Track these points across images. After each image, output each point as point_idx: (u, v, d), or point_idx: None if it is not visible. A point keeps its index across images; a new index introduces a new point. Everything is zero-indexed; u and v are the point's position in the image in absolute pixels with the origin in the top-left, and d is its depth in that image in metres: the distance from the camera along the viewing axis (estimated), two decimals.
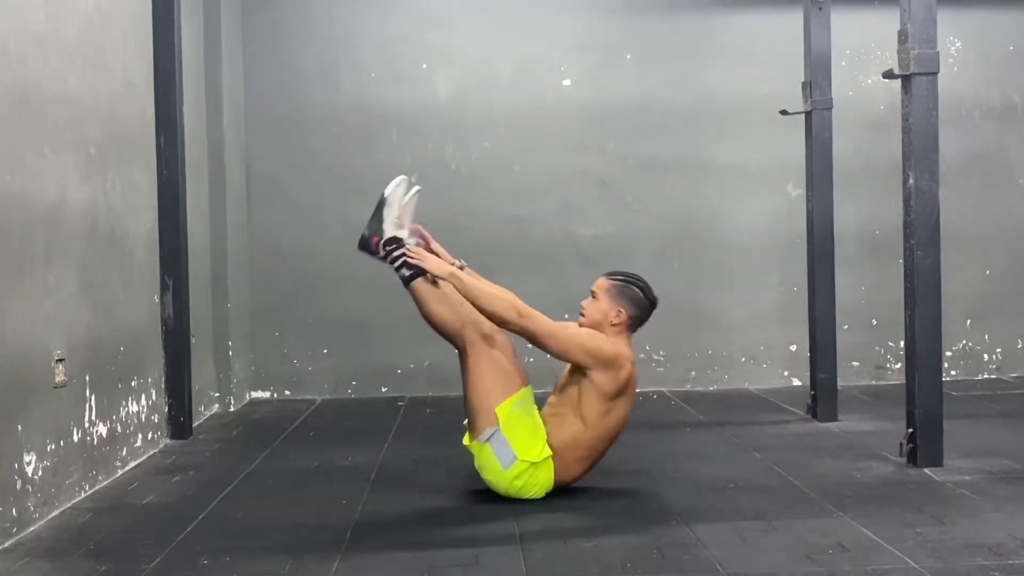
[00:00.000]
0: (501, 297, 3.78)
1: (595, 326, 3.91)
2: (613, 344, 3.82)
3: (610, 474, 4.07)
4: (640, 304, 3.94)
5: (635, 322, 3.94)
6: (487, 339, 3.84)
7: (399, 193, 3.94)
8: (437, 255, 4.01)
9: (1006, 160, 7.00)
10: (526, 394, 3.86)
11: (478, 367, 3.82)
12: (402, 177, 3.99)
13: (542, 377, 6.75)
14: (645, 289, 3.96)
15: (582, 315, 3.96)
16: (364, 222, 6.63)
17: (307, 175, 6.71)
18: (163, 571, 3.07)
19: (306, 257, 6.69)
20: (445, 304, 3.87)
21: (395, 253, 3.90)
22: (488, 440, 3.75)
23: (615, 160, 6.82)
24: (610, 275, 4.01)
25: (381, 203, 3.93)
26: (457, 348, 3.89)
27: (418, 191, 4.04)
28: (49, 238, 3.75)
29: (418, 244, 3.97)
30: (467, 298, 3.78)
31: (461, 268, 3.93)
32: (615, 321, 3.90)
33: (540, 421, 3.85)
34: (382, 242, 3.91)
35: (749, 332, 6.83)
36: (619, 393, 3.80)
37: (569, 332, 3.82)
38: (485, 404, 3.78)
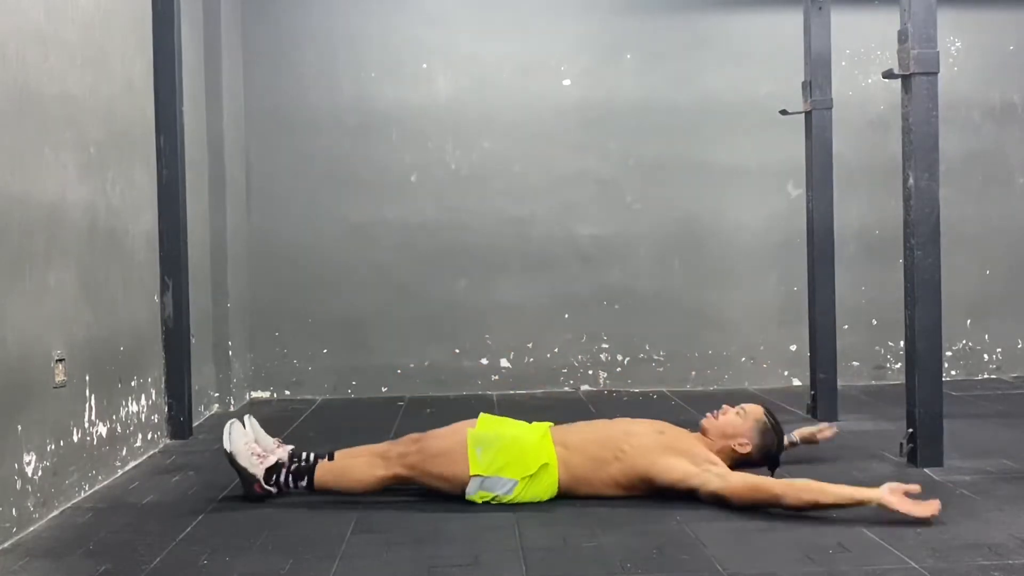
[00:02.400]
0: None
1: (715, 431, 3.89)
2: (701, 473, 3.64)
3: None
4: (764, 454, 3.90)
5: (744, 463, 3.88)
6: (405, 454, 3.79)
7: (237, 436, 3.81)
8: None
9: (1006, 160, 7.00)
10: (479, 432, 3.79)
11: (426, 470, 3.76)
12: (229, 422, 3.84)
13: (542, 376, 6.77)
14: (778, 447, 3.94)
15: (714, 417, 3.93)
16: (365, 222, 6.70)
17: (307, 175, 6.71)
18: (163, 571, 3.07)
19: (306, 257, 6.70)
20: (353, 472, 3.82)
21: (281, 480, 3.82)
22: (480, 488, 3.72)
23: (615, 160, 6.82)
24: (767, 411, 3.98)
25: (230, 459, 3.80)
26: (407, 481, 3.84)
27: (250, 417, 3.94)
28: (49, 238, 3.75)
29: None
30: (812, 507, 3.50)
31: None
32: (738, 448, 3.87)
33: (516, 431, 3.81)
34: (263, 484, 3.81)
35: (749, 332, 6.84)
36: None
37: (682, 470, 3.67)
38: (456, 482, 3.73)
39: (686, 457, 3.69)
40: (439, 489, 3.78)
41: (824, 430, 4.39)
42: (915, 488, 3.38)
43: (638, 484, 3.72)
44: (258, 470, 3.81)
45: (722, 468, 3.68)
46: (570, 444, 3.79)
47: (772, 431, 3.93)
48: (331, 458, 3.88)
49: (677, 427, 3.94)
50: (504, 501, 3.73)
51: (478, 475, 3.71)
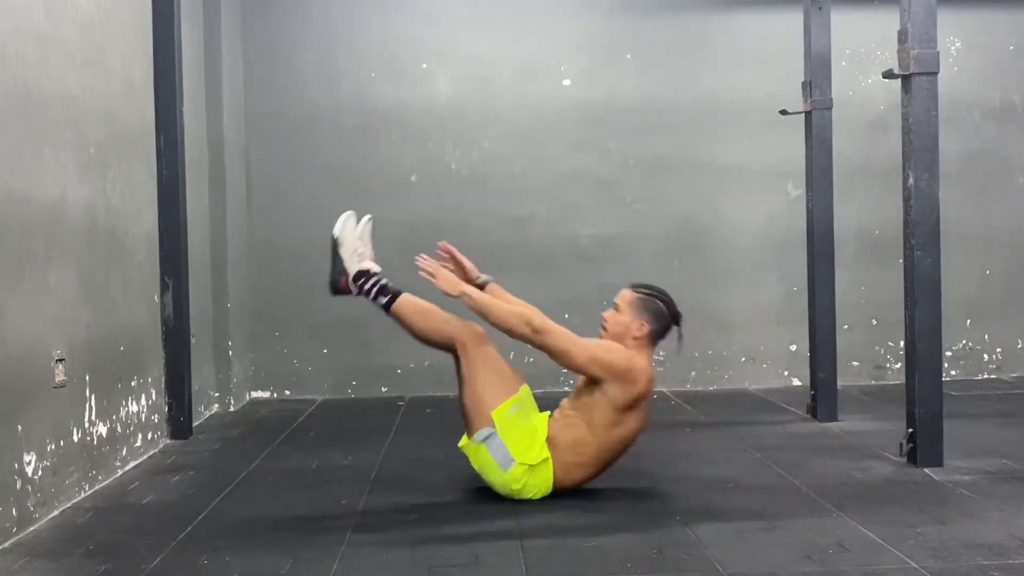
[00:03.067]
0: (514, 313, 3.77)
1: (616, 338, 3.88)
2: (629, 358, 3.78)
3: (610, 474, 4.05)
4: (662, 318, 3.91)
5: (656, 336, 3.91)
6: (480, 342, 3.83)
7: (349, 228, 3.92)
8: (464, 269, 4.03)
9: (1006, 160, 7.00)
10: (523, 396, 3.85)
11: (472, 371, 3.81)
12: (348, 212, 3.97)
13: (543, 377, 6.77)
14: (668, 303, 3.94)
15: (604, 327, 3.93)
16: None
17: (307, 175, 6.71)
18: (163, 571, 3.07)
19: (306, 257, 6.68)
20: (430, 317, 3.88)
21: (366, 286, 3.89)
22: (484, 441, 3.75)
23: (615, 160, 6.82)
24: (634, 287, 3.98)
25: (334, 244, 3.91)
26: (453, 355, 3.88)
27: (370, 219, 4.03)
28: (49, 238, 3.75)
29: (439, 258, 3.97)
30: (480, 316, 3.79)
31: (484, 285, 3.94)
32: (637, 334, 3.87)
33: (538, 422, 3.84)
34: (351, 280, 3.90)
35: (749, 332, 6.84)
36: (630, 406, 3.76)
37: (583, 345, 3.78)
38: (481, 408, 3.77)
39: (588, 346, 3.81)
40: (468, 392, 3.80)
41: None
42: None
43: (585, 392, 3.81)
44: (354, 266, 3.89)
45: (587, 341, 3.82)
46: (553, 438, 3.82)
47: (648, 298, 3.93)
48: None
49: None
50: (495, 479, 3.74)
51: (494, 426, 3.73)
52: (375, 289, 3.89)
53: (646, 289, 3.97)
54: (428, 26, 6.75)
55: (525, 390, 3.88)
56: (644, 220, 6.82)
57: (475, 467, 3.83)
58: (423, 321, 3.88)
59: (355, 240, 3.92)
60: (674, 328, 3.95)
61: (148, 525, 3.57)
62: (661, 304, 3.93)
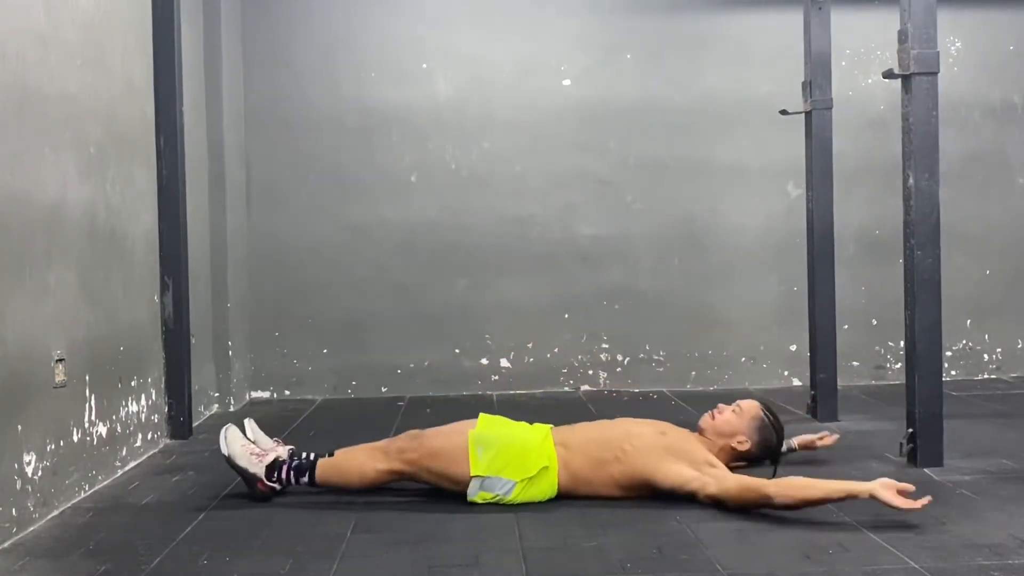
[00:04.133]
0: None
1: (715, 432, 3.88)
2: (700, 477, 3.63)
3: None
4: (765, 451, 3.89)
5: (745, 459, 3.89)
6: (417, 446, 3.78)
7: (234, 442, 3.82)
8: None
9: (1006, 160, 7.00)
10: (480, 432, 3.79)
11: (429, 468, 3.76)
12: (225, 427, 3.85)
13: (542, 377, 6.77)
14: (778, 442, 3.92)
15: (712, 415, 3.92)
16: (365, 222, 6.70)
17: (307, 175, 6.71)
18: (163, 571, 3.07)
19: (306, 257, 6.70)
20: (356, 467, 3.81)
21: (283, 476, 3.82)
22: (480, 490, 3.72)
23: (615, 160, 6.82)
24: (764, 405, 3.96)
25: (228, 462, 3.81)
26: (407, 477, 3.84)
27: (248, 420, 3.96)
28: (49, 238, 3.75)
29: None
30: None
31: None
32: (736, 446, 3.86)
33: (519, 433, 3.81)
34: (266, 481, 3.81)
35: (749, 332, 6.83)
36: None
37: (680, 475, 3.65)
38: (458, 480, 3.73)
39: (685, 460, 3.68)
40: (438, 486, 3.79)
41: (824, 437, 4.37)
42: (910, 487, 3.36)
43: (637, 486, 3.72)
44: (259, 468, 3.81)
45: (720, 470, 3.66)
46: (571, 445, 3.79)
47: (770, 426, 3.92)
48: (331, 456, 3.88)
49: (678, 428, 3.93)
50: (504, 502, 3.73)
51: (478, 476, 3.71)
52: (292, 474, 3.83)
53: (772, 416, 3.96)
54: (428, 26, 6.75)
55: (479, 425, 3.83)
56: (644, 220, 6.82)
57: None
58: (350, 474, 3.81)
59: (246, 447, 3.83)
60: (766, 462, 3.93)
61: (148, 525, 3.57)
62: (774, 439, 3.92)
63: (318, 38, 6.71)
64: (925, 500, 3.33)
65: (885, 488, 3.33)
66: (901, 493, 3.33)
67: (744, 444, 3.86)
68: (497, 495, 3.72)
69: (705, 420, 3.94)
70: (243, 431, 3.92)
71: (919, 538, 3.22)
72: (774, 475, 3.81)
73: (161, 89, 5.04)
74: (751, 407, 3.95)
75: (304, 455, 3.90)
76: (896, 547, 3.13)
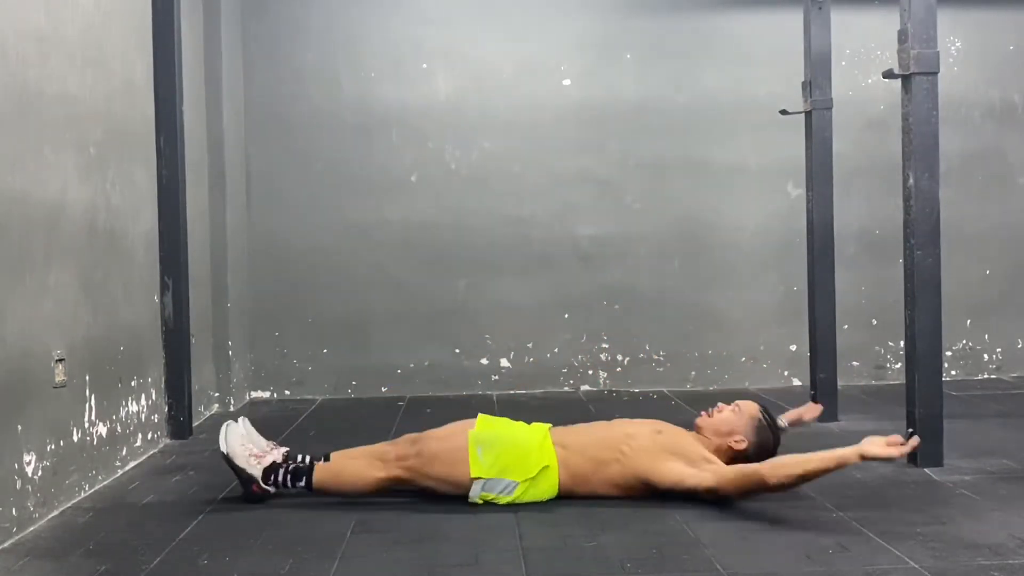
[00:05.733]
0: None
1: (712, 430, 3.87)
2: (698, 473, 3.66)
3: None
4: (762, 450, 3.87)
5: (743, 458, 3.87)
6: (416, 451, 3.78)
7: (233, 438, 3.81)
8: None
9: (1006, 160, 7.00)
10: (479, 433, 3.79)
11: (429, 471, 3.76)
12: (225, 424, 3.84)
13: (543, 377, 6.77)
14: (776, 443, 3.92)
15: (709, 413, 3.92)
16: (365, 222, 6.70)
17: (307, 175, 6.71)
18: (163, 571, 3.07)
19: (306, 257, 6.70)
20: (353, 473, 3.81)
21: (279, 479, 3.81)
22: (482, 491, 3.72)
23: (615, 160, 6.82)
24: (762, 408, 3.96)
25: (226, 460, 3.79)
26: (405, 483, 3.83)
27: (243, 419, 3.94)
28: (49, 238, 3.75)
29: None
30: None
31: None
32: (732, 445, 3.85)
33: (518, 433, 3.81)
34: (262, 484, 3.80)
35: (749, 332, 6.84)
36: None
37: (678, 473, 3.68)
38: (460, 483, 3.73)
39: (682, 458, 3.69)
40: (438, 491, 3.78)
41: (810, 409, 4.38)
42: (897, 438, 3.39)
43: (637, 486, 3.73)
44: (256, 470, 3.80)
45: (717, 464, 3.69)
46: (570, 445, 3.79)
47: (768, 428, 3.92)
48: (327, 459, 3.87)
49: (675, 426, 3.93)
50: (504, 502, 3.73)
51: (479, 477, 3.71)
52: (288, 478, 3.82)
53: (770, 418, 3.95)
54: (428, 26, 6.75)
55: (478, 426, 3.84)
56: (644, 220, 6.82)
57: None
58: (347, 481, 3.81)
59: (244, 445, 3.82)
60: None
61: (148, 525, 3.57)
62: (771, 439, 3.90)
63: (318, 38, 6.71)
64: (914, 441, 3.42)
65: (873, 445, 3.38)
66: (889, 445, 3.37)
67: (741, 443, 3.86)
68: (498, 495, 3.72)
69: (703, 418, 3.94)
70: None
71: (919, 538, 3.22)
72: (770, 455, 3.84)
73: (161, 89, 5.04)
74: (749, 407, 3.95)
75: (300, 458, 3.90)
76: (896, 547, 3.13)
